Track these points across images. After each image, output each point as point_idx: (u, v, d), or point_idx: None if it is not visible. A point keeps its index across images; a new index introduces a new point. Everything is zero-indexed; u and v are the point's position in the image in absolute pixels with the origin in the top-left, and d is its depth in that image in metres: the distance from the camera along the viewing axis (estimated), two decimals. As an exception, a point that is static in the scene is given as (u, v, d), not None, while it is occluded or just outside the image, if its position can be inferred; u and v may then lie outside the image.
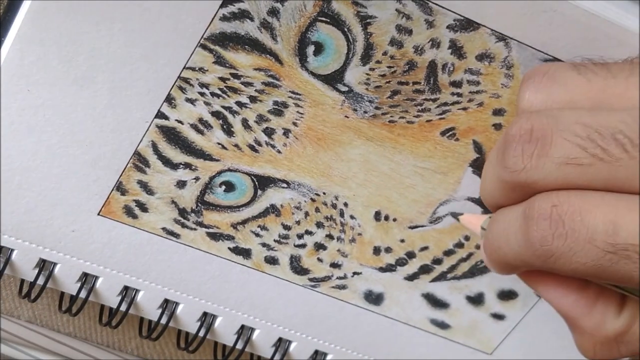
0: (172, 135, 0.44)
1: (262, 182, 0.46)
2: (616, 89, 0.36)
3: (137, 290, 0.50)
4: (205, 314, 0.51)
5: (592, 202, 0.34)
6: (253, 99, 0.43)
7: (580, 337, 0.39)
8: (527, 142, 0.35)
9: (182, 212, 0.46)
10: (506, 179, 0.36)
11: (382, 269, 0.49)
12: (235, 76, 0.43)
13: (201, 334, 0.51)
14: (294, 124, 0.44)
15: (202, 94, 0.43)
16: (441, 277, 0.50)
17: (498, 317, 0.51)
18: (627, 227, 0.34)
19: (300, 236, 0.48)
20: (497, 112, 0.44)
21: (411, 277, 0.50)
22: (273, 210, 0.47)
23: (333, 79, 0.43)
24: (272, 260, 0.49)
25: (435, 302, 0.51)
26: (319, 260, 0.49)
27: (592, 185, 0.35)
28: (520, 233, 0.36)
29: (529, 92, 0.37)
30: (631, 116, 0.34)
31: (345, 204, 0.47)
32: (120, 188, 0.45)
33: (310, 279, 0.49)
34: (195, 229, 0.47)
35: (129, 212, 0.46)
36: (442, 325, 0.52)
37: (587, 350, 0.39)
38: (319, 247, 0.48)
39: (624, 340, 0.38)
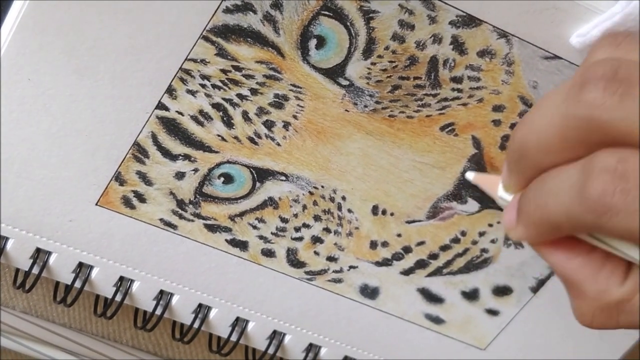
0: (172, 127, 0.44)
1: (261, 175, 0.46)
2: None
3: (132, 281, 0.50)
4: (200, 306, 0.51)
5: None
6: (254, 92, 0.43)
7: (581, 301, 0.38)
8: (611, 80, 0.33)
9: (180, 203, 0.46)
10: (578, 114, 0.34)
11: (378, 263, 0.49)
12: (237, 68, 0.43)
13: (196, 325, 0.51)
14: (294, 117, 0.44)
15: (203, 86, 0.43)
16: (437, 272, 0.50)
17: (492, 312, 0.52)
18: None
19: (297, 229, 0.48)
20: (497, 109, 0.44)
21: (407, 272, 0.50)
22: (271, 202, 0.47)
23: (334, 73, 0.43)
24: (268, 253, 0.49)
25: (431, 297, 0.51)
26: (316, 253, 0.49)
27: None
28: (577, 186, 0.34)
29: (609, 46, 0.36)
30: None
31: (343, 198, 0.47)
32: (118, 178, 0.45)
33: (307, 272, 0.49)
34: (192, 221, 0.47)
35: (127, 202, 0.46)
36: (437, 320, 0.52)
37: (585, 315, 0.38)
38: (316, 240, 0.48)
39: (624, 309, 0.37)
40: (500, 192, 0.39)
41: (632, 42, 0.35)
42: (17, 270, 0.50)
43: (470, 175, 0.41)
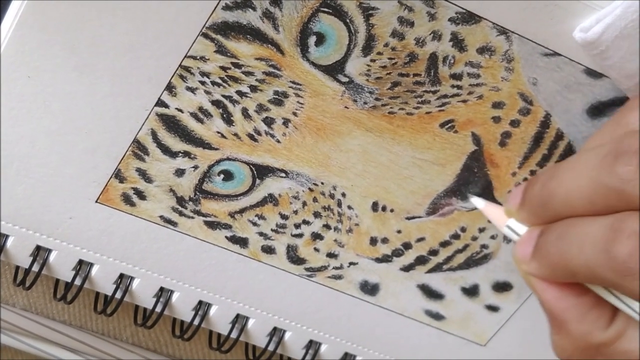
0: (171, 124, 0.44)
1: (261, 172, 0.46)
2: None
3: (132, 278, 0.50)
4: (200, 303, 0.51)
5: None
6: (253, 89, 0.43)
7: (563, 338, 0.39)
8: None
9: (180, 200, 0.46)
10: (609, 184, 0.35)
11: (379, 260, 0.49)
12: (236, 65, 0.43)
13: (196, 322, 0.51)
14: (294, 113, 0.44)
15: (202, 83, 0.43)
16: (437, 268, 0.50)
17: (492, 308, 0.52)
18: None
19: (297, 226, 0.48)
20: (497, 105, 0.44)
21: (407, 268, 0.50)
22: (271, 199, 0.47)
23: (334, 70, 0.43)
24: (268, 250, 0.49)
25: (431, 293, 0.51)
26: (316, 250, 0.49)
27: None
28: (602, 243, 0.35)
29: None
30: None
31: (343, 194, 0.47)
32: (118, 175, 0.45)
33: (307, 269, 0.50)
34: (192, 218, 0.47)
35: (127, 199, 0.46)
36: (437, 317, 0.52)
37: (565, 351, 0.40)
38: (316, 236, 0.48)
39: (603, 352, 0.39)
40: (511, 222, 0.41)
41: None
42: (17, 267, 0.50)
43: (479, 204, 0.42)
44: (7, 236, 0.47)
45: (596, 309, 0.38)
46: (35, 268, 0.48)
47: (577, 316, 0.38)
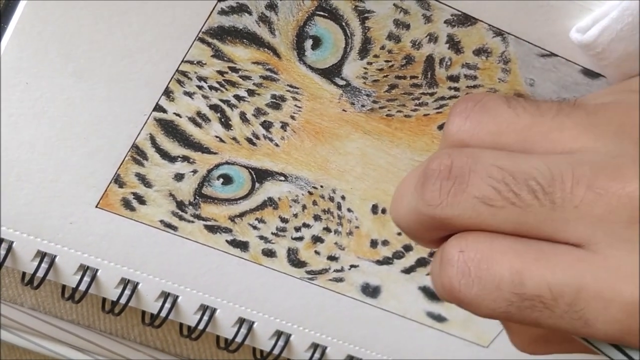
0: (170, 128, 0.44)
1: (260, 175, 0.46)
2: (542, 127, 0.36)
3: (135, 283, 0.50)
4: (203, 306, 0.51)
5: (499, 249, 0.35)
6: (251, 93, 0.43)
7: (514, 336, 0.42)
8: (445, 179, 0.35)
9: (180, 204, 0.47)
10: (422, 211, 0.36)
11: (379, 262, 0.49)
12: (234, 70, 0.43)
13: (201, 326, 0.51)
14: (292, 117, 0.44)
15: (200, 87, 0.43)
16: (438, 270, 0.50)
17: (494, 310, 0.52)
18: (532, 279, 0.34)
19: (297, 229, 0.48)
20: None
21: (408, 270, 0.50)
22: (271, 203, 0.47)
23: (331, 73, 0.43)
24: (269, 253, 0.49)
25: (432, 295, 0.51)
26: (316, 253, 0.49)
27: (503, 227, 0.35)
28: (437, 275, 0.36)
29: (459, 118, 0.37)
30: (545, 164, 0.35)
31: (343, 197, 0.47)
32: (118, 180, 0.46)
33: (308, 272, 0.50)
34: (192, 222, 0.47)
35: (126, 204, 0.46)
36: (439, 318, 0.52)
37: (519, 346, 0.42)
38: (316, 240, 0.48)
39: (550, 340, 0.41)
40: None
41: (482, 110, 0.37)
42: (24, 268, 0.50)
43: None
44: (10, 242, 0.47)
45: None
46: (41, 273, 0.49)
47: None
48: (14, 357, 0.56)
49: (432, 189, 0.36)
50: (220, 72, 0.43)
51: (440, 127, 0.45)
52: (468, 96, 0.38)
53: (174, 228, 0.47)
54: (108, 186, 0.46)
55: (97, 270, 0.49)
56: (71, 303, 0.52)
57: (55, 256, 0.48)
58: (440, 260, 0.36)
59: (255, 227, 0.48)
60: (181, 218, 0.47)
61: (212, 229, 0.48)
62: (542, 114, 0.37)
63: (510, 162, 0.35)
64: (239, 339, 0.52)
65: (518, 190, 0.35)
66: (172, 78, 0.43)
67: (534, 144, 0.36)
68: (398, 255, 0.49)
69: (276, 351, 0.53)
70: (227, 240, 0.48)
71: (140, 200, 0.46)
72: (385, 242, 0.49)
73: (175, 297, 0.50)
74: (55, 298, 0.54)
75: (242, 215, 0.47)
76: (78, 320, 0.55)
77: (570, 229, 0.34)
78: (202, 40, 0.42)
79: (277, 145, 0.45)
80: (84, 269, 0.49)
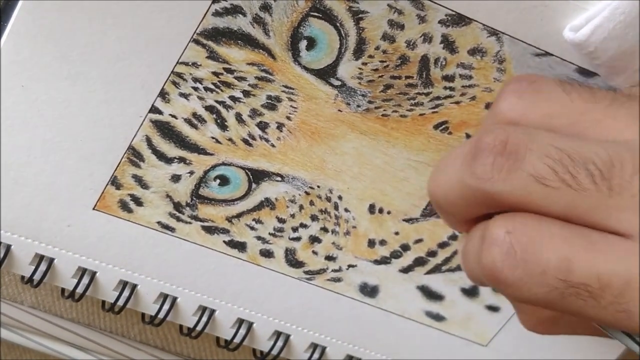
0: (166, 130, 0.44)
1: (257, 176, 0.46)
2: (595, 114, 0.36)
3: (134, 285, 0.50)
4: (201, 307, 0.51)
5: (548, 233, 0.34)
6: (246, 94, 0.43)
7: (523, 315, 0.42)
8: (499, 154, 0.35)
9: (177, 206, 0.47)
10: (471, 185, 0.35)
11: (377, 262, 0.49)
12: (229, 71, 0.43)
13: (200, 327, 0.51)
14: (288, 118, 0.44)
15: (195, 89, 0.43)
16: (436, 269, 0.50)
17: (493, 308, 0.52)
18: (581, 267, 0.34)
19: (295, 229, 0.48)
20: (490, 106, 0.44)
21: (406, 270, 0.50)
22: (267, 203, 0.47)
23: (326, 74, 0.43)
24: (267, 254, 0.49)
25: (430, 294, 0.51)
26: (314, 253, 0.49)
27: (553, 209, 0.35)
28: (476, 254, 0.36)
29: (513, 95, 0.37)
30: (606, 150, 0.34)
31: (340, 197, 0.47)
32: (115, 182, 0.46)
33: (306, 272, 0.50)
34: (190, 223, 0.47)
35: (124, 206, 0.47)
36: (438, 318, 0.52)
37: (527, 324, 0.42)
38: (314, 240, 0.48)
39: (557, 323, 0.41)
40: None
41: (536, 91, 0.37)
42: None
43: None
44: (8, 245, 0.47)
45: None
46: (38, 277, 0.49)
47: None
48: (13, 356, 0.56)
49: (485, 162, 0.35)
50: (216, 74, 0.43)
51: (436, 127, 0.45)
52: (522, 75, 0.38)
53: (172, 229, 0.47)
54: (105, 188, 0.46)
55: (95, 272, 0.49)
56: (71, 301, 0.52)
57: (53, 259, 0.48)
58: (482, 239, 0.35)
59: (252, 228, 0.48)
60: (178, 219, 0.47)
61: (209, 230, 0.48)
62: (596, 101, 0.36)
63: (569, 144, 0.35)
64: (238, 340, 0.52)
65: (576, 172, 0.34)
66: (167, 80, 0.43)
67: (586, 129, 0.36)
68: (396, 255, 0.49)
69: (275, 351, 0.53)
70: (224, 241, 0.48)
71: (138, 201, 0.46)
72: (382, 242, 0.49)
73: (174, 299, 0.50)
74: (55, 296, 0.54)
75: (239, 216, 0.47)
76: (78, 319, 0.55)
77: (623, 217, 0.34)
78: (196, 42, 0.42)
79: (273, 145, 0.45)
80: (82, 271, 0.49)
